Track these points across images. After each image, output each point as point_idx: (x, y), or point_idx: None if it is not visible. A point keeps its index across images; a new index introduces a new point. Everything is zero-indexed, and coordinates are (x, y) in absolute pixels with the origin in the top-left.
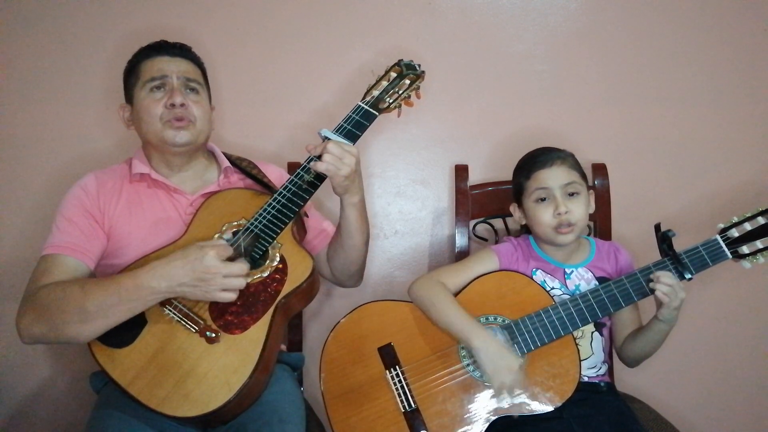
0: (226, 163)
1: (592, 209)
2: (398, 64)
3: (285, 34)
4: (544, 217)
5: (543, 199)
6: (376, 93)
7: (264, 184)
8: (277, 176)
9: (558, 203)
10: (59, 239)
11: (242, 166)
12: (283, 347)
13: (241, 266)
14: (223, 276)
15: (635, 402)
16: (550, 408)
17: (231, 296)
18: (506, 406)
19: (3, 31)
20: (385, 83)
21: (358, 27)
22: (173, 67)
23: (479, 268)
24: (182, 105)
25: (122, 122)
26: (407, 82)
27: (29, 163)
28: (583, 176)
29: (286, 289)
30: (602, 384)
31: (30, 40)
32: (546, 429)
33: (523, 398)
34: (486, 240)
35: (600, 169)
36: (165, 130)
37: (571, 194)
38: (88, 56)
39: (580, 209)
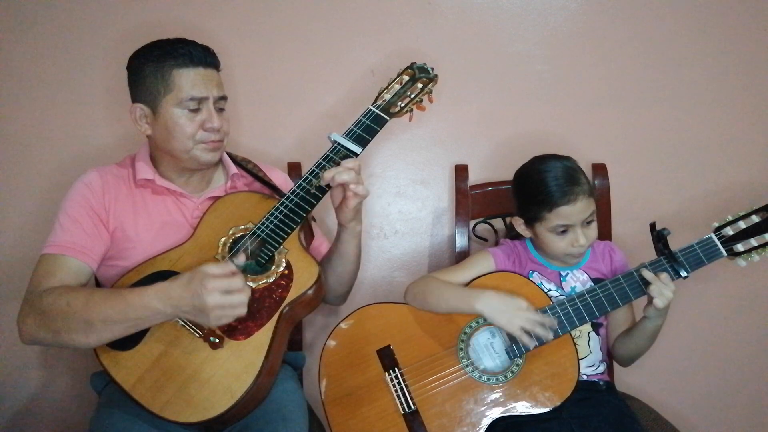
0: (234, 169)
1: None
2: (411, 67)
3: (284, 33)
4: (560, 245)
5: (563, 232)
6: (387, 96)
7: (271, 187)
8: (282, 182)
9: (578, 236)
10: (62, 238)
11: (248, 167)
12: None
13: (242, 299)
14: (222, 308)
15: (635, 401)
16: (549, 408)
17: (228, 321)
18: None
19: (3, 31)
20: (397, 86)
21: (358, 27)
22: (211, 86)
23: (475, 270)
24: (218, 129)
25: (133, 122)
26: (420, 85)
27: (29, 162)
28: (591, 187)
29: (291, 295)
30: (601, 383)
31: (30, 40)
32: (545, 429)
33: (523, 399)
34: (486, 240)
35: (600, 169)
36: (197, 150)
37: (589, 222)
38: (88, 56)
39: (594, 233)
